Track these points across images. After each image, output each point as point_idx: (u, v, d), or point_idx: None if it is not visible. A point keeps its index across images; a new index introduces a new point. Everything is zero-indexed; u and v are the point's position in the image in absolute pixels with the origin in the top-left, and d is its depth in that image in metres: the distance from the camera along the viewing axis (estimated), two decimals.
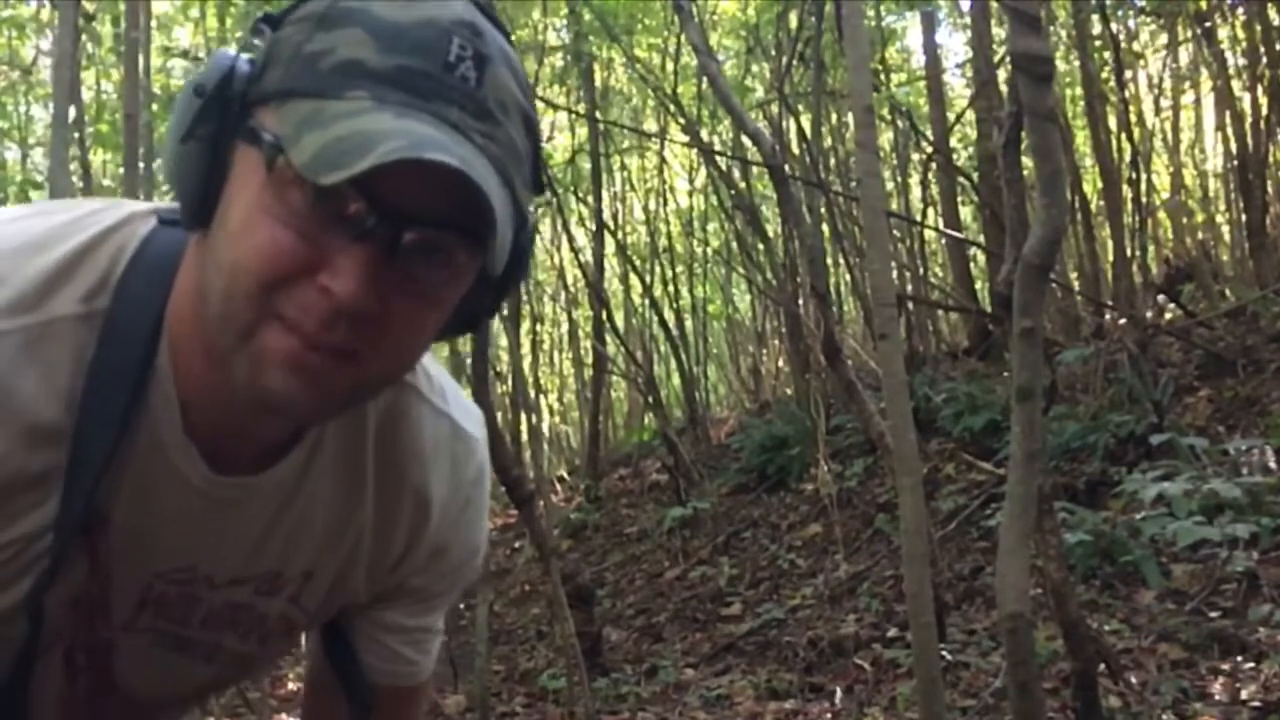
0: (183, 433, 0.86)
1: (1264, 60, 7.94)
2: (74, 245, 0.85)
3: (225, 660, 1.00)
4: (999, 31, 7.90)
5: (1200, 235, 10.14)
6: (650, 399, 9.37)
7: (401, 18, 0.75)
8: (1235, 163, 8.43)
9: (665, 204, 11.55)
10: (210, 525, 0.91)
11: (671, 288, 11.10)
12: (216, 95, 0.77)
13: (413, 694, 1.11)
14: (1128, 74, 8.69)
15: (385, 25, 0.75)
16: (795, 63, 7.08)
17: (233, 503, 0.90)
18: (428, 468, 0.98)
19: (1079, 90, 9.22)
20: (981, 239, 8.86)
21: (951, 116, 9.76)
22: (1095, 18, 7.94)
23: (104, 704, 0.99)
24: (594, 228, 10.01)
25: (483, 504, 1.05)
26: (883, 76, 9.52)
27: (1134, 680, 3.53)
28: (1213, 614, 3.98)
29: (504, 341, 10.31)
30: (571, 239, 9.77)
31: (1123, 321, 6.80)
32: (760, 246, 8.95)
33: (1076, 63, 8.74)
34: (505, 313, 7.72)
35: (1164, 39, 9.73)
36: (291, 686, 5.66)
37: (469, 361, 7.05)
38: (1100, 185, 8.58)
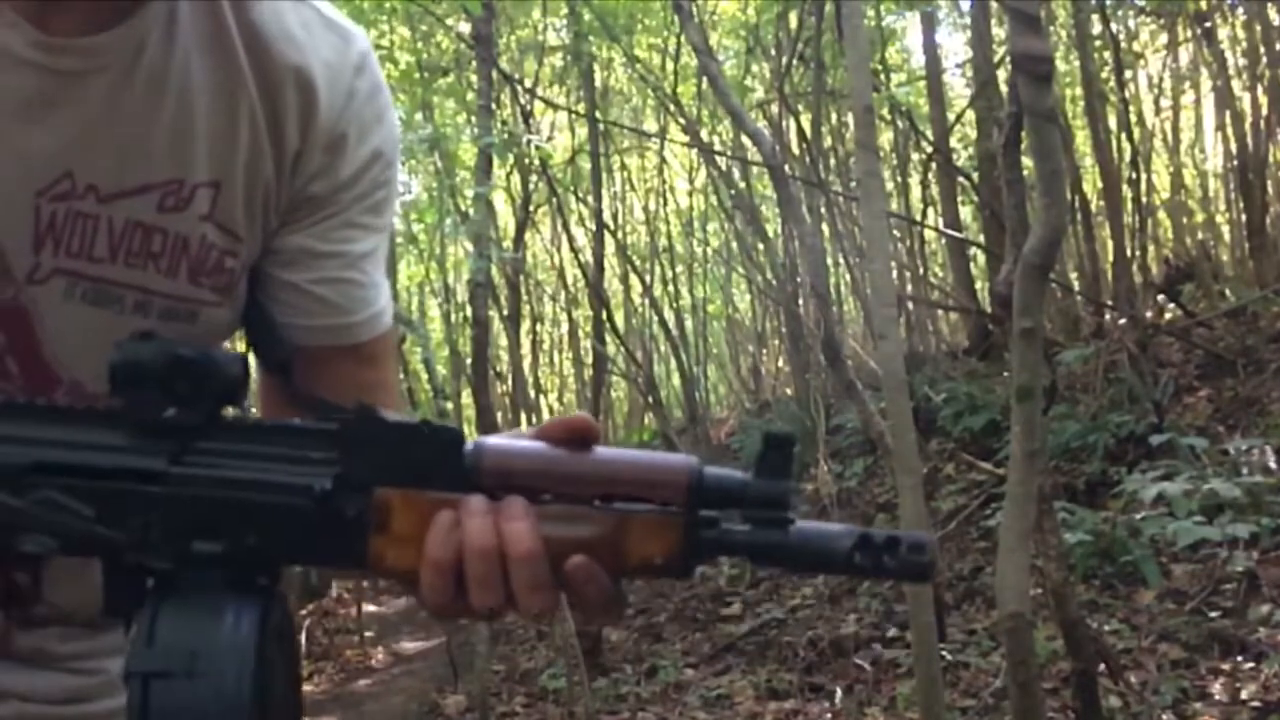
0: None
1: (1264, 60, 7.94)
2: None
3: (162, 311, 0.91)
4: (999, 31, 7.90)
5: (1200, 235, 10.13)
6: (650, 399, 9.38)
7: None
8: (1235, 163, 8.43)
9: (665, 204, 11.56)
10: (66, 112, 0.82)
11: (671, 288, 11.11)
12: None
13: (358, 353, 0.97)
14: (1128, 74, 8.69)
15: None
16: (795, 63, 7.09)
17: (77, 74, 0.82)
18: (301, 45, 0.90)
19: (1079, 90, 9.21)
20: (981, 239, 8.85)
21: (951, 116, 9.75)
22: (1095, 18, 7.94)
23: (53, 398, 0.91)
24: (594, 228, 10.01)
25: (375, 100, 0.95)
26: (883, 76, 9.51)
27: (1134, 680, 3.53)
28: (1213, 614, 3.98)
29: (504, 341, 10.33)
30: (571, 239, 9.77)
31: (1123, 321, 6.80)
32: (760, 246, 8.95)
33: (1076, 63, 8.74)
34: (505, 313, 7.76)
35: (1164, 39, 9.72)
36: None
37: (469, 362, 7.05)
38: (1100, 185, 8.57)
